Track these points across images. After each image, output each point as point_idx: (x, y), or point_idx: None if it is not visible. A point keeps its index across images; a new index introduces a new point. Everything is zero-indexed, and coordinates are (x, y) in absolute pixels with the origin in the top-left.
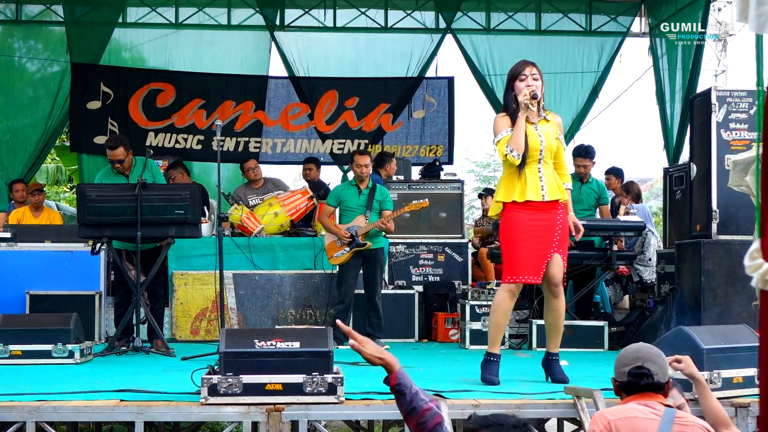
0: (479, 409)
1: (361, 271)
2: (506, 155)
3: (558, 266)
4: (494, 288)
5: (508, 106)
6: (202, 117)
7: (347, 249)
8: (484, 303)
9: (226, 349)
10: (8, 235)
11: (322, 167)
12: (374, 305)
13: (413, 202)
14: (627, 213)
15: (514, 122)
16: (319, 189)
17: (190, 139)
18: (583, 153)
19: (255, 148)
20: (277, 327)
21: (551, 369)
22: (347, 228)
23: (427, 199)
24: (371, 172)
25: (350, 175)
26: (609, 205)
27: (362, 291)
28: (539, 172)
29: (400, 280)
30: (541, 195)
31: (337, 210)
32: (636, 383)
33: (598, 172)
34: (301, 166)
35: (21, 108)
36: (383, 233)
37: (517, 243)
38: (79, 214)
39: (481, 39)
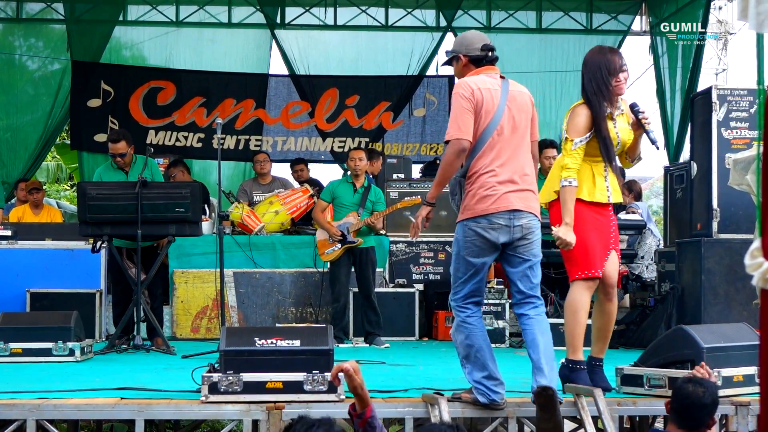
0: (479, 408)
1: (354, 270)
2: (567, 181)
3: (614, 265)
4: (495, 287)
5: (599, 102)
6: (203, 115)
7: (338, 246)
8: (485, 301)
9: (226, 347)
10: (9, 233)
11: (323, 165)
12: (371, 303)
13: (405, 199)
14: (631, 212)
15: (594, 122)
16: (313, 186)
17: (191, 137)
18: (550, 144)
19: (255, 146)
20: (277, 325)
21: (594, 374)
22: (339, 225)
23: (419, 196)
24: None
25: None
26: None
27: (357, 290)
28: (605, 171)
29: (400, 278)
30: (606, 196)
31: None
32: (487, 55)
33: None
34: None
35: (21, 106)
36: (374, 232)
37: (587, 234)
38: (80, 212)
39: None
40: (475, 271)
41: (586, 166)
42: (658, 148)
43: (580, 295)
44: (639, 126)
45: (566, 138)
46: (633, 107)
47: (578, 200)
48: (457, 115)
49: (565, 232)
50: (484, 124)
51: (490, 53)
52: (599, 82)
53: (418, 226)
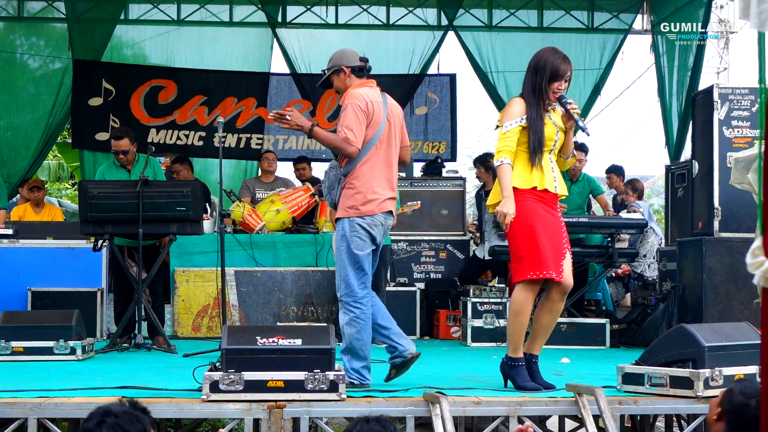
0: (481, 406)
1: None
2: (498, 161)
3: (570, 267)
4: (496, 285)
5: (533, 93)
6: (204, 114)
7: None
8: (486, 300)
9: (227, 346)
10: (10, 231)
11: (325, 164)
12: None
13: (408, 203)
14: (632, 210)
15: (529, 112)
16: (315, 185)
17: (192, 135)
18: (579, 147)
19: (257, 144)
20: (278, 324)
21: (534, 373)
22: None
23: (419, 201)
24: None
25: None
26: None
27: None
28: (551, 162)
29: (401, 277)
30: (554, 186)
31: None
32: (365, 66)
33: (599, 171)
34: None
35: (23, 105)
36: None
37: (538, 233)
38: (81, 210)
39: (484, 36)
40: (361, 262)
41: (523, 155)
42: (588, 135)
43: (525, 297)
44: (567, 116)
45: (497, 126)
46: (560, 99)
47: (524, 191)
48: (355, 123)
49: (503, 204)
50: (370, 134)
51: (366, 64)
52: (542, 81)
53: (282, 113)
